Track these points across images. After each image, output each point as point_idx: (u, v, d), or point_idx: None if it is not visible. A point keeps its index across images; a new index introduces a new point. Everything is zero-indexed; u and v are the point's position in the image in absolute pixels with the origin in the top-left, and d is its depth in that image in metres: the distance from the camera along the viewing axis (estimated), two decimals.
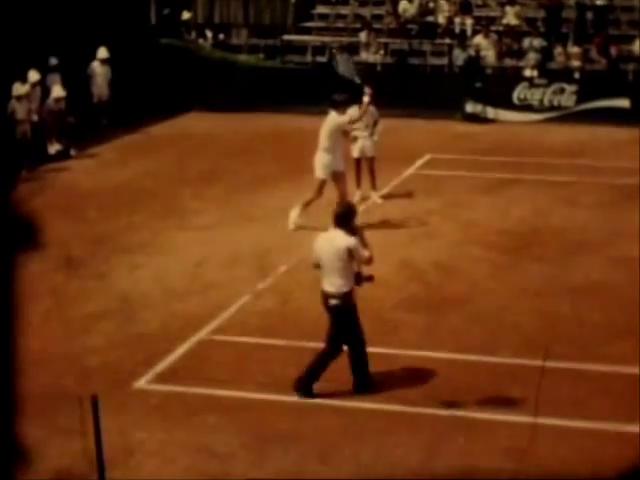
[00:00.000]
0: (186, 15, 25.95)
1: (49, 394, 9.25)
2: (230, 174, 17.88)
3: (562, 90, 22.41)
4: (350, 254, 9.15)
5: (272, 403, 9.34)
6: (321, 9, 26.67)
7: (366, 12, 26.10)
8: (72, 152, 19.40)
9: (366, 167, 15.86)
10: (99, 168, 18.74)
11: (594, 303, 11.64)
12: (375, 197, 15.92)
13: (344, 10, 26.43)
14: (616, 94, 21.84)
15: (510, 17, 24.46)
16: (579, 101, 22.22)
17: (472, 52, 23.36)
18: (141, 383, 9.81)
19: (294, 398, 9.34)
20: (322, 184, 14.36)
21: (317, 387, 9.38)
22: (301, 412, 9.16)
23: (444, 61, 23.94)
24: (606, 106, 21.86)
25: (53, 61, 19.93)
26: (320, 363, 9.34)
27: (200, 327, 11.07)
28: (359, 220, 10.03)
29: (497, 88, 22.69)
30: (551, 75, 22.67)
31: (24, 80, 18.72)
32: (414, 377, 9.79)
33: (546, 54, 23.22)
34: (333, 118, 14.31)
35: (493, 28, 24.26)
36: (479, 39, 23.65)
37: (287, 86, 23.05)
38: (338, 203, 13.83)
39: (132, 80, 21.47)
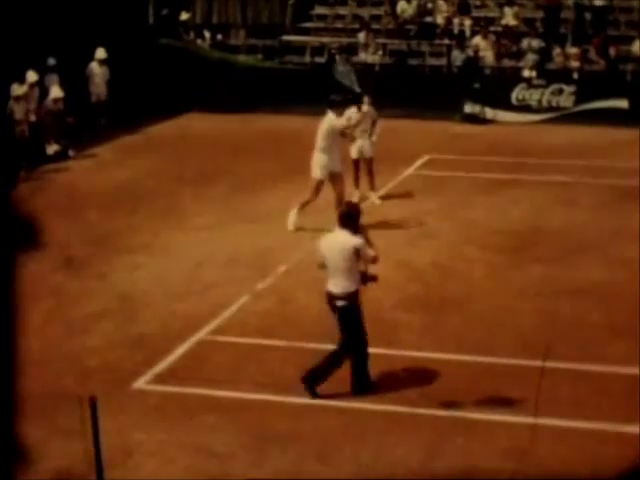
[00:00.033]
0: (184, 15, 25.94)
1: (49, 394, 9.24)
2: (229, 174, 17.87)
3: (561, 91, 22.43)
4: (357, 254, 9.15)
5: (271, 403, 9.33)
6: (319, 10, 26.69)
7: (364, 13, 26.12)
8: (70, 152, 19.39)
9: (365, 168, 15.86)
10: (98, 168, 18.74)
11: (594, 303, 11.64)
12: (374, 198, 15.92)
13: (342, 11, 26.46)
14: (615, 95, 21.88)
15: (509, 18, 24.48)
16: (578, 102, 22.24)
17: (471, 53, 23.39)
18: (140, 383, 9.79)
19: (294, 398, 9.33)
20: (319, 184, 14.36)
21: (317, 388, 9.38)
22: (300, 412, 9.15)
23: (443, 62, 23.96)
24: (605, 107, 21.89)
25: (51, 61, 19.92)
26: (332, 362, 9.33)
27: (200, 327, 11.06)
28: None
29: (496, 89, 22.72)
30: (550, 76, 22.69)
31: (22, 81, 18.72)
32: (413, 377, 9.78)
33: (545, 55, 23.25)
34: (330, 119, 14.31)
35: (492, 29, 24.29)
36: (478, 40, 23.67)
37: (286, 87, 23.06)
38: (337, 204, 14.08)
39: (130, 80, 21.47)
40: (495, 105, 22.62)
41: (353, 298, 9.22)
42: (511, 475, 8.05)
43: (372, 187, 15.96)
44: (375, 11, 26.12)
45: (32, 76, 18.96)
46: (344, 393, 9.36)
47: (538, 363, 9.80)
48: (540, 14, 24.77)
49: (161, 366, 10.13)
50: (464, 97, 22.49)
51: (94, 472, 7.09)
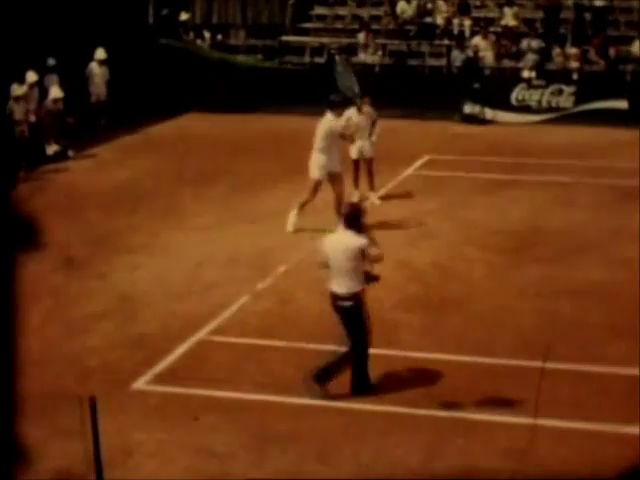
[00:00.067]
0: (184, 16, 25.95)
1: (49, 394, 9.23)
2: (229, 174, 17.88)
3: (560, 91, 22.43)
4: (362, 254, 9.15)
5: (271, 404, 9.32)
6: (319, 10, 26.70)
7: (364, 13, 26.12)
8: (70, 153, 19.39)
9: (364, 168, 15.86)
10: (98, 169, 18.74)
11: (594, 303, 11.63)
12: (373, 198, 15.91)
13: (342, 11, 26.47)
14: (614, 95, 21.89)
15: (508, 18, 24.49)
16: (577, 102, 22.25)
17: (470, 53, 23.40)
18: (140, 383, 9.79)
19: (294, 399, 9.33)
20: (317, 184, 14.36)
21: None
22: (300, 413, 9.15)
23: (442, 62, 23.97)
24: (604, 107, 21.90)
25: (51, 62, 19.92)
26: (341, 362, 9.32)
27: (200, 327, 11.06)
28: None
29: (495, 89, 22.74)
30: (549, 76, 22.70)
31: (22, 81, 18.72)
32: (413, 378, 9.78)
33: (544, 55, 23.26)
34: (328, 120, 14.31)
35: (491, 29, 24.30)
36: (477, 40, 23.68)
37: (285, 87, 23.08)
38: (336, 204, 14.09)
39: (130, 81, 21.47)
40: (495, 105, 22.62)
41: (358, 298, 9.22)
42: (511, 475, 8.05)
43: (372, 187, 15.96)
44: (375, 11, 26.13)
45: (32, 76, 18.97)
46: (344, 394, 9.36)
47: (538, 364, 9.81)
48: (540, 14, 24.79)
49: (161, 366, 10.13)
50: (464, 97, 22.50)
51: (94, 472, 7.09)
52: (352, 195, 15.18)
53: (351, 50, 24.24)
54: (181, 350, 10.52)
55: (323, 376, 9.32)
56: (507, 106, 22.62)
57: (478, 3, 25.65)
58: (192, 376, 9.86)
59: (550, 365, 9.77)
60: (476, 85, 22.60)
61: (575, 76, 22.80)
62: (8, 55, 17.78)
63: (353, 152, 15.72)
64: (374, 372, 9.56)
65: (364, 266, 9.24)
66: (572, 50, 23.23)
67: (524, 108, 22.54)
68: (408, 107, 21.91)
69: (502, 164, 18.35)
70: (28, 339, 9.29)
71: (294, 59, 24.84)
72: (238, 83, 23.57)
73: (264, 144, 20.18)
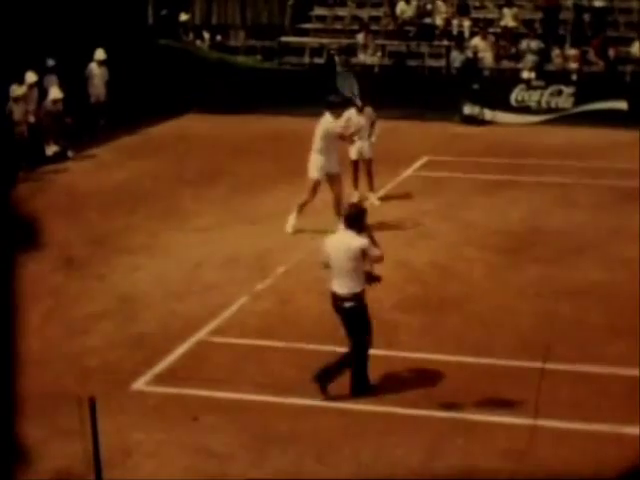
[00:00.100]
0: (184, 16, 25.98)
1: (49, 394, 9.22)
2: (229, 175, 17.88)
3: (560, 92, 22.45)
4: (363, 254, 9.15)
5: (271, 404, 9.32)
6: (319, 11, 26.72)
7: (364, 14, 26.14)
8: (69, 153, 19.40)
9: (364, 169, 15.87)
10: (97, 169, 18.74)
11: (593, 304, 11.64)
12: (373, 199, 15.91)
13: (342, 12, 26.48)
14: (614, 96, 21.90)
15: (508, 19, 24.52)
16: (577, 103, 22.27)
17: (470, 54, 23.42)
18: (140, 384, 9.78)
19: (294, 399, 9.33)
20: (315, 185, 14.36)
21: (316, 388, 9.38)
22: (300, 413, 9.15)
23: (442, 63, 24.00)
24: (604, 108, 21.92)
25: (50, 62, 19.92)
26: (343, 364, 9.33)
27: (199, 328, 11.05)
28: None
29: (495, 90, 22.76)
30: (549, 77, 22.71)
31: (21, 81, 18.72)
32: (413, 378, 9.78)
33: (544, 56, 23.28)
34: (327, 120, 14.31)
35: (491, 30, 24.32)
36: (477, 41, 23.70)
37: (285, 88, 23.09)
38: (335, 205, 14.10)
39: (130, 81, 21.48)
40: (494, 106, 22.63)
41: (359, 299, 9.22)
42: (510, 476, 8.05)
43: (371, 188, 15.97)
44: (374, 12, 26.14)
45: (31, 77, 18.96)
46: (343, 394, 9.36)
47: (538, 364, 9.81)
48: (539, 15, 24.81)
49: (161, 366, 10.13)
50: (463, 98, 22.51)
51: (93, 472, 7.09)
52: (352, 196, 15.19)
53: (351, 51, 24.26)
54: (181, 350, 10.52)
55: (324, 377, 9.32)
56: (506, 107, 22.63)
57: (477, 4, 25.68)
58: (192, 376, 9.86)
59: (550, 365, 9.77)
60: (475, 86, 22.61)
61: (574, 77, 22.84)
62: (8, 55, 17.77)
63: (352, 153, 15.72)
64: (374, 373, 9.55)
65: (365, 266, 9.24)
66: (571, 51, 23.25)
67: (523, 109, 22.56)
68: (407, 108, 21.91)
69: (501, 165, 18.36)
70: (28, 339, 9.27)
71: (293, 60, 24.86)
72: (238, 84, 23.57)
73: (264, 145, 20.18)
